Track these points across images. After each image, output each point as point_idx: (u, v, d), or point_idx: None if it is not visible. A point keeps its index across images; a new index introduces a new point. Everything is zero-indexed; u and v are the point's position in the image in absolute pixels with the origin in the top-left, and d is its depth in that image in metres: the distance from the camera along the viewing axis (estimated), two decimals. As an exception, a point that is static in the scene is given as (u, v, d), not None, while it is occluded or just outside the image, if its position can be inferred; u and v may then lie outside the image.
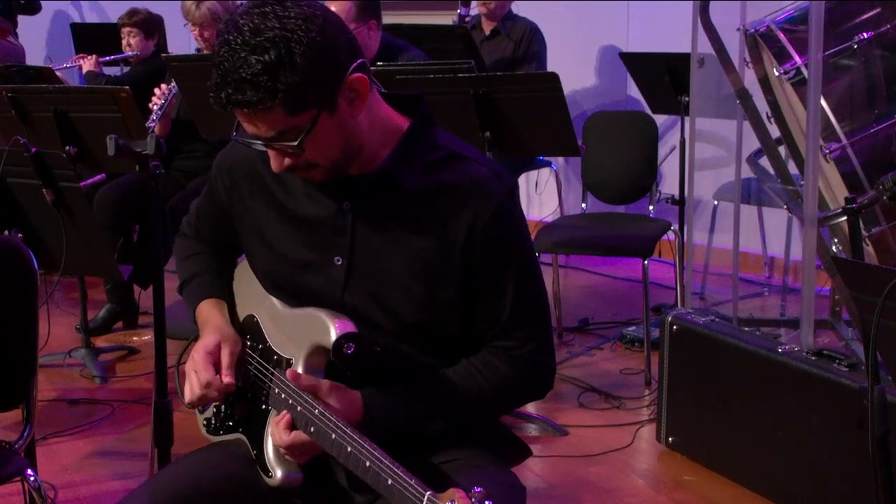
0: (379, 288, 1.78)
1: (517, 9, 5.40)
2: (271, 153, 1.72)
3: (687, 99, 4.37)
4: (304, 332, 1.79)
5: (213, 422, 1.94)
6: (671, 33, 4.91)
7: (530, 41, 5.23)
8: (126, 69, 5.71)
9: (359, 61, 1.68)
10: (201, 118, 4.22)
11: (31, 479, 2.35)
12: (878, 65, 3.24)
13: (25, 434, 2.41)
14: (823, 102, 3.13)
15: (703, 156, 4.89)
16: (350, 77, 1.66)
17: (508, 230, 1.79)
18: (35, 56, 6.59)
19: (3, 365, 2.40)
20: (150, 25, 5.33)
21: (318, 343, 1.75)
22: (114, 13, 6.18)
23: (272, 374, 1.82)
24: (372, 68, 2.37)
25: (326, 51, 1.63)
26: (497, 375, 1.82)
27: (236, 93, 1.61)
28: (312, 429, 1.70)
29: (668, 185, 5.35)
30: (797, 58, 3.22)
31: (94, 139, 3.88)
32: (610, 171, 4.87)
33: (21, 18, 6.66)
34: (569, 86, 4.06)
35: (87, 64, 5.45)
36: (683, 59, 4.23)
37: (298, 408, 1.73)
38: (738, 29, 3.60)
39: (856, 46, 3.18)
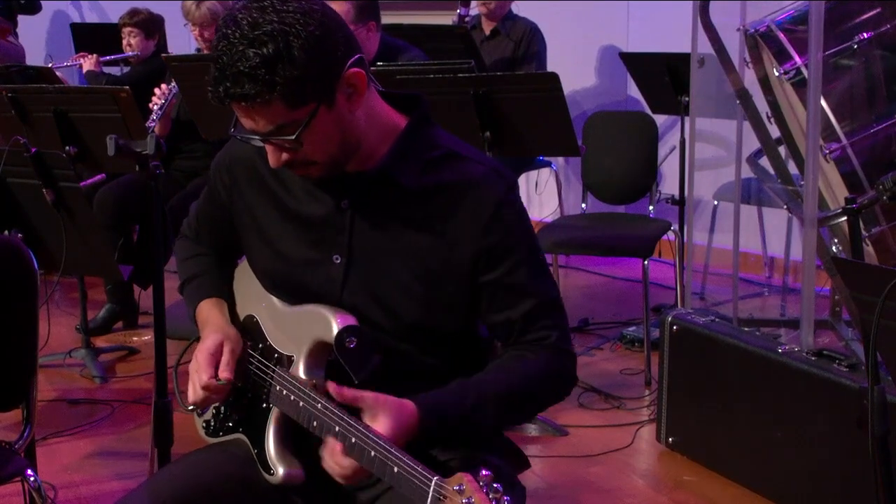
0: (378, 287, 1.78)
1: (517, 9, 5.40)
2: (269, 148, 1.71)
3: (687, 99, 4.37)
4: (304, 328, 1.79)
5: (212, 424, 1.94)
6: (671, 33, 4.90)
7: (530, 41, 5.22)
8: (126, 69, 5.72)
9: (356, 56, 1.68)
10: (201, 118, 4.22)
11: (31, 479, 2.35)
12: (878, 65, 3.24)
13: (25, 434, 2.41)
14: (823, 102, 3.13)
15: (703, 156, 4.89)
16: (348, 72, 1.66)
17: (513, 223, 1.77)
18: (35, 56, 6.59)
19: (3, 365, 2.40)
20: (151, 25, 5.34)
21: (319, 338, 1.75)
22: (114, 13, 6.19)
23: (273, 371, 1.82)
24: (372, 68, 2.37)
25: (324, 45, 1.62)
26: (535, 366, 1.78)
27: (234, 86, 1.60)
28: (315, 423, 1.70)
29: (668, 185, 5.35)
30: (797, 58, 3.22)
31: (94, 139, 3.88)
32: (610, 171, 4.87)
33: (21, 18, 6.66)
34: (569, 86, 4.05)
35: (88, 63, 5.45)
36: (683, 59, 4.23)
37: (301, 403, 1.73)
38: (738, 29, 3.60)
39: (856, 46, 3.18)
